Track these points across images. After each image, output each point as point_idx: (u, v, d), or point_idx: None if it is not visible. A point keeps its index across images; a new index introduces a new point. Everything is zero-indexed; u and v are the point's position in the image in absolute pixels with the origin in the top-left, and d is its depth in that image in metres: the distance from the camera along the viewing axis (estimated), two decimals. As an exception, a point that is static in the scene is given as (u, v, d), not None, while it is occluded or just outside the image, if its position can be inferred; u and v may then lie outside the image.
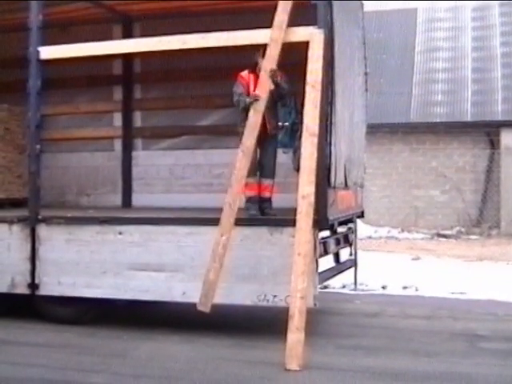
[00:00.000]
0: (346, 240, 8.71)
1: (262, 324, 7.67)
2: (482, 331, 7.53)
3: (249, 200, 7.31)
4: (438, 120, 19.81)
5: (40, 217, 7.73)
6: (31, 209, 7.82)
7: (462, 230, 18.91)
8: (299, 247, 6.28)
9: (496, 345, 7.01)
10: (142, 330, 7.47)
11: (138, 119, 10.49)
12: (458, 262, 13.25)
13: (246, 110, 7.01)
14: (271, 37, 6.83)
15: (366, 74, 9.24)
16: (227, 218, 6.64)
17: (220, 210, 6.78)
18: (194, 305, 6.72)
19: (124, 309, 8.07)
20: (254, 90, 7.07)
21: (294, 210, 6.44)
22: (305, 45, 6.74)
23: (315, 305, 6.63)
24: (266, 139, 7.16)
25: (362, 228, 15.08)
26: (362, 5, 9.22)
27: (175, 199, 9.72)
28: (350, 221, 8.72)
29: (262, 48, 6.98)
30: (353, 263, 8.96)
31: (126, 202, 10.27)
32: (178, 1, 8.90)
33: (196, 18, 9.14)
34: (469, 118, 19.51)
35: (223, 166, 9.39)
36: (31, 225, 7.73)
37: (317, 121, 6.57)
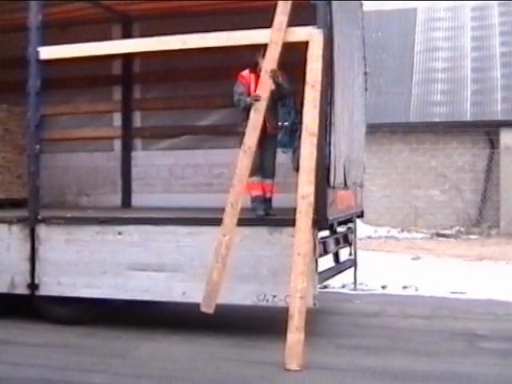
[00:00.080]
0: (346, 240, 8.71)
1: (261, 324, 7.67)
2: (482, 331, 7.54)
3: (255, 200, 7.30)
4: (437, 120, 19.80)
5: (39, 217, 7.73)
6: (31, 209, 7.81)
7: (462, 229, 18.90)
8: (299, 247, 6.28)
9: (496, 344, 7.01)
10: (141, 330, 7.47)
11: (137, 119, 10.49)
12: (457, 262, 13.25)
13: (247, 109, 7.01)
14: (271, 38, 6.83)
15: (365, 73, 9.23)
16: (230, 218, 6.63)
17: (220, 209, 6.78)
18: (194, 305, 6.72)
19: (124, 309, 8.07)
20: (255, 90, 7.07)
21: (293, 210, 6.44)
22: (304, 45, 6.74)
23: (315, 305, 6.63)
24: (265, 139, 7.16)
25: (362, 228, 15.07)
26: (362, 4, 9.21)
27: (175, 199, 9.72)
28: (350, 220, 8.71)
29: (262, 48, 6.98)
30: (352, 263, 8.96)
31: (126, 202, 10.27)
32: (177, 1, 8.90)
33: (196, 17, 9.13)
34: (468, 118, 19.50)
35: (223, 165, 9.40)
36: (31, 225, 7.73)
37: (316, 121, 6.57)
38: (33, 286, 7.67)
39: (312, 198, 6.41)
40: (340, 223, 8.06)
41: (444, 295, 9.74)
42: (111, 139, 10.61)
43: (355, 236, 9.00)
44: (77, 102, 10.63)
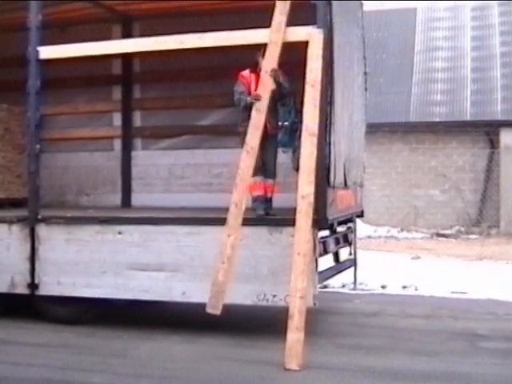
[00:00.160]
0: (346, 239, 8.71)
1: (261, 324, 7.67)
2: (482, 330, 7.54)
3: (256, 199, 7.30)
4: (437, 119, 19.80)
5: (39, 217, 7.73)
6: (31, 209, 7.81)
7: (462, 229, 18.91)
8: (299, 247, 6.28)
9: (496, 344, 7.02)
10: (141, 329, 7.47)
11: (137, 119, 10.49)
12: (457, 262, 13.26)
13: (247, 109, 7.01)
14: (270, 39, 6.84)
15: (365, 73, 9.24)
16: (234, 218, 6.62)
17: (220, 209, 6.78)
18: (194, 304, 6.73)
19: (124, 309, 8.07)
20: (256, 90, 7.07)
21: (293, 210, 6.44)
22: (304, 44, 6.74)
23: (315, 304, 6.63)
24: (266, 139, 7.15)
25: (362, 227, 15.07)
26: (362, 4, 9.21)
27: (175, 199, 9.72)
28: (350, 220, 8.72)
29: (262, 48, 6.98)
30: (352, 263, 8.96)
31: (126, 201, 10.27)
32: (177, 1, 8.89)
33: (196, 17, 9.14)
34: (468, 118, 19.50)
35: (223, 165, 9.40)
36: (31, 225, 7.72)
37: (316, 120, 6.57)
38: (33, 285, 7.67)
39: (312, 198, 6.42)
40: (340, 223, 8.06)
41: (444, 295, 9.74)
42: (111, 139, 10.61)
43: (355, 236, 9.00)
44: (77, 101, 10.64)
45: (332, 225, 7.47)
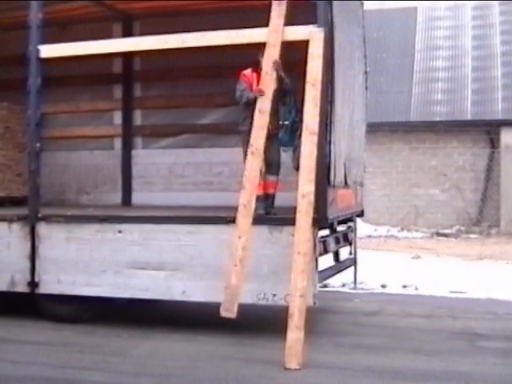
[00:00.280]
0: (346, 239, 8.71)
1: (261, 323, 7.67)
2: (482, 330, 7.54)
3: (256, 199, 7.29)
4: (437, 119, 19.81)
5: (40, 215, 7.73)
6: (31, 207, 7.81)
7: (462, 228, 18.91)
8: (299, 246, 6.28)
9: (496, 344, 7.02)
10: (141, 328, 7.47)
11: (137, 117, 10.50)
12: (457, 261, 13.26)
13: (249, 106, 7.00)
14: (268, 41, 6.85)
15: (366, 72, 9.24)
16: (243, 219, 6.61)
17: (220, 208, 6.78)
18: (194, 303, 6.72)
19: (124, 307, 8.06)
20: (258, 88, 7.07)
21: (293, 209, 6.45)
22: (305, 43, 6.74)
23: (315, 303, 6.63)
24: (267, 138, 7.14)
25: (362, 227, 15.07)
26: (362, 4, 9.21)
27: (175, 198, 9.73)
28: (350, 219, 8.72)
29: (263, 47, 6.97)
30: (352, 262, 8.97)
31: (126, 200, 10.28)
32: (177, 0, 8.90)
33: (197, 16, 9.13)
34: (469, 117, 19.51)
35: (223, 164, 9.41)
36: (31, 223, 7.72)
37: (317, 119, 6.57)
38: (33, 284, 7.67)
39: (312, 197, 6.42)
40: (340, 222, 8.07)
41: (444, 294, 9.74)
42: (111, 137, 10.62)
43: (355, 235, 9.01)
44: (77, 100, 10.64)
45: (332, 224, 7.47)
